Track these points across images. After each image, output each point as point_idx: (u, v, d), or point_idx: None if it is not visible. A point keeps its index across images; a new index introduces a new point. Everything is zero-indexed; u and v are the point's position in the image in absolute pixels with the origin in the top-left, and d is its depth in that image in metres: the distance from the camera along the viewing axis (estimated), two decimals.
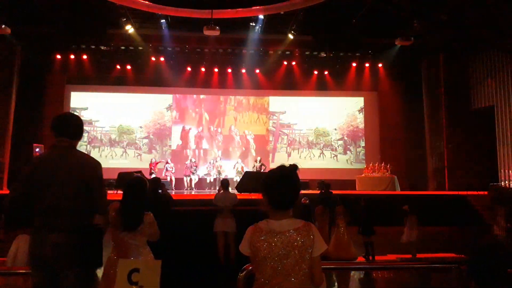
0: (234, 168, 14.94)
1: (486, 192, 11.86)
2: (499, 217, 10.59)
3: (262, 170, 14.30)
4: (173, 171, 14.65)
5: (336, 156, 16.97)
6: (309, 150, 16.98)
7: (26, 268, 2.61)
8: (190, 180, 14.78)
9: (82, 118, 2.91)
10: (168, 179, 14.32)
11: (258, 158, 15.07)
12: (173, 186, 14.41)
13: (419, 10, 11.87)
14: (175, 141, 16.64)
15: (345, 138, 17.08)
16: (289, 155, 16.88)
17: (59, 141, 2.59)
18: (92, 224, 2.55)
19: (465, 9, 11.78)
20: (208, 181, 15.17)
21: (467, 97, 14.97)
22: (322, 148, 17.01)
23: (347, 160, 17.00)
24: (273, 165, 14.05)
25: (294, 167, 2.11)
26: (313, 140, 17.04)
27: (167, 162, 14.85)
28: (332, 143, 17.06)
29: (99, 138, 16.26)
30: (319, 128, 17.11)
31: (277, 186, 2.03)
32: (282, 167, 2.12)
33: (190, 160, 15.26)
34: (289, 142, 17.05)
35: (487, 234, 10.42)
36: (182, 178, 14.86)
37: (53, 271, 2.41)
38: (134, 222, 3.23)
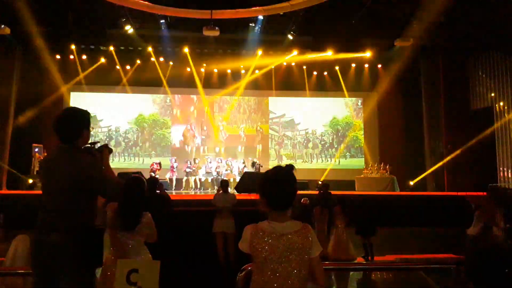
0: (231, 167, 14.92)
1: (485, 193, 11.84)
2: (498, 218, 10.58)
3: (261, 171, 14.30)
4: (175, 171, 14.71)
5: (335, 156, 16.97)
6: (308, 150, 16.99)
7: (26, 268, 2.62)
8: (188, 180, 14.77)
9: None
10: (168, 178, 14.37)
11: (255, 159, 15.07)
12: (173, 186, 14.43)
13: (418, 10, 11.86)
14: (175, 141, 16.64)
15: (344, 138, 17.09)
16: (287, 155, 16.89)
17: (60, 142, 2.62)
18: (91, 224, 2.56)
19: (464, 10, 11.78)
20: (204, 180, 15.17)
21: (466, 97, 14.97)
22: (321, 148, 17.02)
23: (346, 161, 17.00)
24: (271, 166, 14.01)
25: (290, 167, 2.09)
26: (312, 140, 17.04)
27: (172, 166, 14.84)
28: (331, 143, 17.07)
29: (98, 138, 16.24)
30: (318, 129, 17.12)
31: (274, 187, 2.01)
32: (278, 168, 2.10)
33: (189, 161, 15.25)
34: (288, 142, 17.04)
35: (486, 235, 10.41)
36: (182, 179, 14.86)
37: (52, 271, 2.42)
38: (132, 222, 3.24)
